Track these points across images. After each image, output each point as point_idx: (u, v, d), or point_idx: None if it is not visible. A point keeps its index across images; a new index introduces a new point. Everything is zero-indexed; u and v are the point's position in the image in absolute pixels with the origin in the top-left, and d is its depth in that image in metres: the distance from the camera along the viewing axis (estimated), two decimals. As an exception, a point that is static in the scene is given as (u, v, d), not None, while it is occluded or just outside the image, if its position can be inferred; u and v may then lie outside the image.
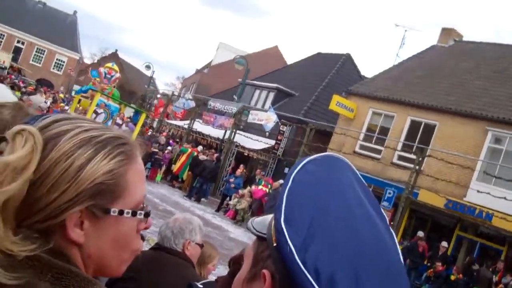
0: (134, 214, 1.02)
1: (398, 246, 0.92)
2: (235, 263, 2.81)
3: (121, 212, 1.00)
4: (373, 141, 24.54)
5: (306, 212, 0.85)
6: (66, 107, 22.53)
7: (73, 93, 54.45)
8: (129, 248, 1.05)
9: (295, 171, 0.91)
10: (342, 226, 0.85)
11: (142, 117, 21.31)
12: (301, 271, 0.80)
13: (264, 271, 0.88)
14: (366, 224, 0.88)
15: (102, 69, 28.34)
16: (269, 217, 0.96)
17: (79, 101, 22.96)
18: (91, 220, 0.98)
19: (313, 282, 0.80)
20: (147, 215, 1.06)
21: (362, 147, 24.72)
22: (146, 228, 1.09)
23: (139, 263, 3.17)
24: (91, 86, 25.66)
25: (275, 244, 0.86)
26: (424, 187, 20.05)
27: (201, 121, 30.51)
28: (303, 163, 0.93)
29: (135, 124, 25.10)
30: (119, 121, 22.69)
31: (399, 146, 23.23)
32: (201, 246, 3.34)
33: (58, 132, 0.97)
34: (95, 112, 19.78)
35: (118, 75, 27.60)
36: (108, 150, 0.98)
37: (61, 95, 26.28)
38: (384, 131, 24.22)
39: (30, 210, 0.93)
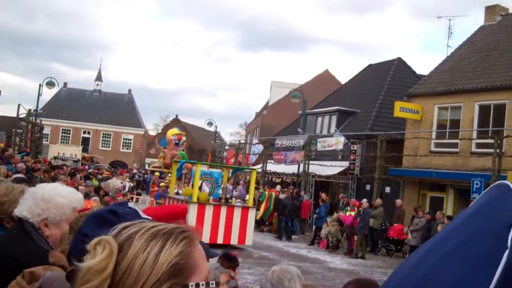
0: (207, 285, 1.19)
1: None
2: None
3: (197, 285, 1.17)
4: (447, 137, 24.03)
5: None
6: (180, 191, 20.68)
7: (147, 166, 56.27)
8: None
9: None
10: None
11: (254, 175, 19.69)
12: None
13: None
14: None
15: (171, 137, 29.60)
16: None
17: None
18: None
19: None
20: (218, 284, 1.21)
21: (437, 145, 24.23)
22: None
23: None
24: (163, 155, 26.48)
25: None
26: (510, 169, 19.36)
27: (272, 161, 30.86)
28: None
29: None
30: (229, 186, 21.29)
31: (474, 134, 22.61)
32: None
33: (129, 235, 1.18)
34: (200, 187, 18.68)
35: (184, 138, 28.64)
36: (174, 237, 1.18)
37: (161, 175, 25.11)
38: (455, 123, 23.69)
39: None
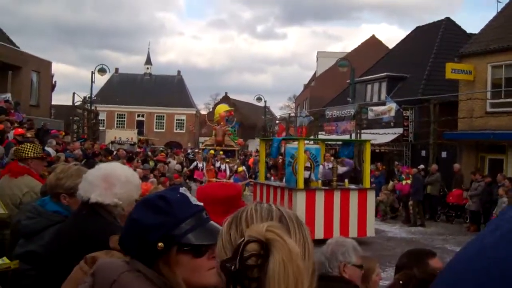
0: None
1: None
2: (401, 270, 2.94)
3: None
4: (503, 96, 23.28)
5: None
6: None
7: (200, 145, 57.03)
8: None
9: None
10: None
11: (368, 147, 16.14)
12: None
13: None
14: None
15: (223, 113, 30.13)
16: None
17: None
18: None
19: None
20: None
21: (493, 105, 23.49)
22: None
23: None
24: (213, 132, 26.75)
25: None
26: None
27: (323, 132, 30.73)
28: None
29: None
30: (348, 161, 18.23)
31: (532, 92, 21.84)
32: (360, 267, 3.23)
33: None
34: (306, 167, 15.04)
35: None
36: None
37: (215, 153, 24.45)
38: (511, 81, 22.88)
39: None
